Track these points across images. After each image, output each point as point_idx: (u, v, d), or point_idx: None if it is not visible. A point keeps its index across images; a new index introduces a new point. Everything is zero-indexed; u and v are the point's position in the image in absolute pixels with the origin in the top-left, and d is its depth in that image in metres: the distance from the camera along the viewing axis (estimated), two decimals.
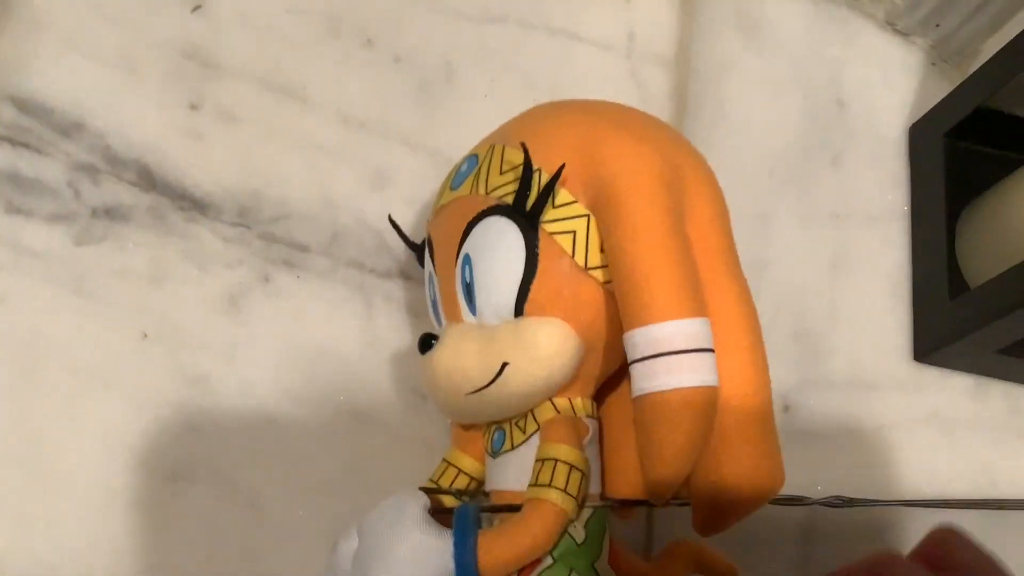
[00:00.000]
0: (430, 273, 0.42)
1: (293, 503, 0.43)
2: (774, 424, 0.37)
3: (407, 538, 0.35)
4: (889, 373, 0.50)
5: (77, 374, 0.43)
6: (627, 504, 0.40)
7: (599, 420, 0.41)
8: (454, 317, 0.40)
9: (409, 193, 0.49)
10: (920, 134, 0.54)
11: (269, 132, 0.48)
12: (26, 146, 0.46)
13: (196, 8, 0.49)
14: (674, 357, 0.34)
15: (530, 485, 0.37)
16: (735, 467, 0.36)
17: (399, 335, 0.47)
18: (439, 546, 0.35)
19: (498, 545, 0.35)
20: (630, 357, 0.36)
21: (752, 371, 0.37)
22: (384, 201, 0.48)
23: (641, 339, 0.35)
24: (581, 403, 0.39)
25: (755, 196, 0.53)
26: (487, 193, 0.38)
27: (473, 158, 0.41)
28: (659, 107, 0.53)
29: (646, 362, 0.35)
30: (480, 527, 0.36)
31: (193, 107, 0.48)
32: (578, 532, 0.38)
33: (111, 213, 0.46)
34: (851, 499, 0.46)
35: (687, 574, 0.42)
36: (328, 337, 0.46)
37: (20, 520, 0.41)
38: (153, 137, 0.47)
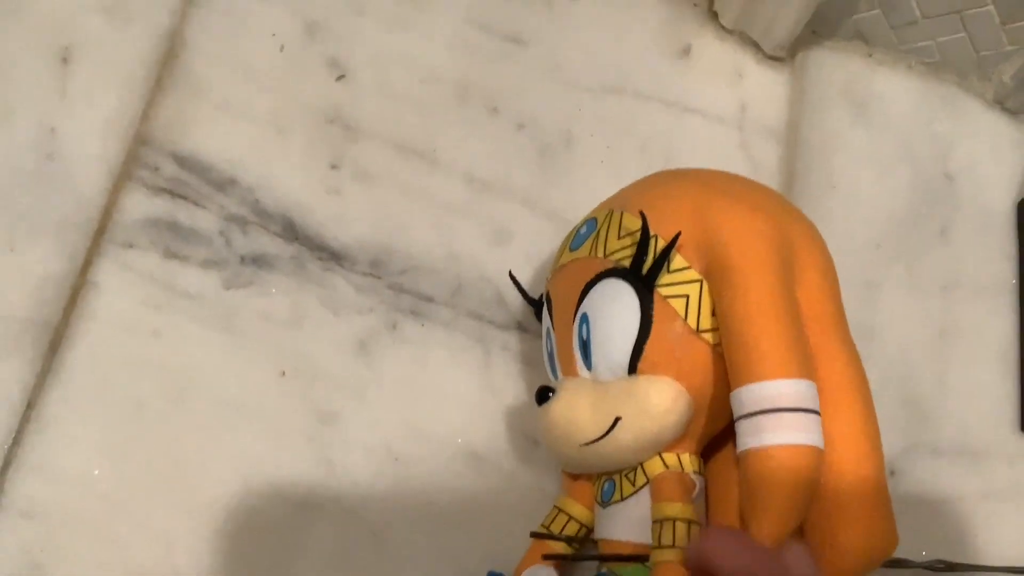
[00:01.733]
0: (547, 328, 0.45)
1: (414, 534, 0.46)
2: (887, 487, 0.38)
3: None
4: (995, 442, 0.51)
5: (221, 406, 0.47)
6: None
7: (704, 478, 0.43)
8: (570, 371, 0.42)
9: (527, 250, 0.52)
10: None
11: (401, 190, 0.52)
12: (184, 198, 0.50)
13: (340, 77, 0.54)
14: (780, 415, 0.36)
15: (653, 547, 0.38)
16: (850, 531, 0.37)
17: (515, 383, 0.49)
18: None
19: None
20: (736, 414, 0.37)
21: (864, 435, 0.38)
22: (504, 257, 0.51)
23: (748, 396, 0.37)
24: (689, 459, 0.41)
25: (863, 266, 0.54)
26: (605, 256, 0.41)
27: (592, 221, 0.44)
28: (769, 178, 0.56)
29: (752, 418, 0.36)
30: None
31: (333, 167, 0.52)
32: None
33: (257, 261, 0.50)
34: (954, 564, 0.46)
35: None
36: (449, 382, 0.49)
37: (165, 538, 0.44)
38: (297, 193, 0.51)
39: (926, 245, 0.55)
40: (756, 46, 0.58)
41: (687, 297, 0.39)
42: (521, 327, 0.50)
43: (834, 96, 0.57)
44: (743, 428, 0.37)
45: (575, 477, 0.45)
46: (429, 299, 0.50)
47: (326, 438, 0.47)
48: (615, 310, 0.40)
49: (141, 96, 0.52)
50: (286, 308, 0.49)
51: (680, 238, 0.39)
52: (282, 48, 0.54)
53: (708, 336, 0.39)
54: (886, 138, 0.57)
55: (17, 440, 0.45)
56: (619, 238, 0.41)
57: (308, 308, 0.49)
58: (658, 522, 0.39)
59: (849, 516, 0.37)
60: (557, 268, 0.45)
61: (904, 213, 0.55)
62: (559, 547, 0.43)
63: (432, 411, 0.48)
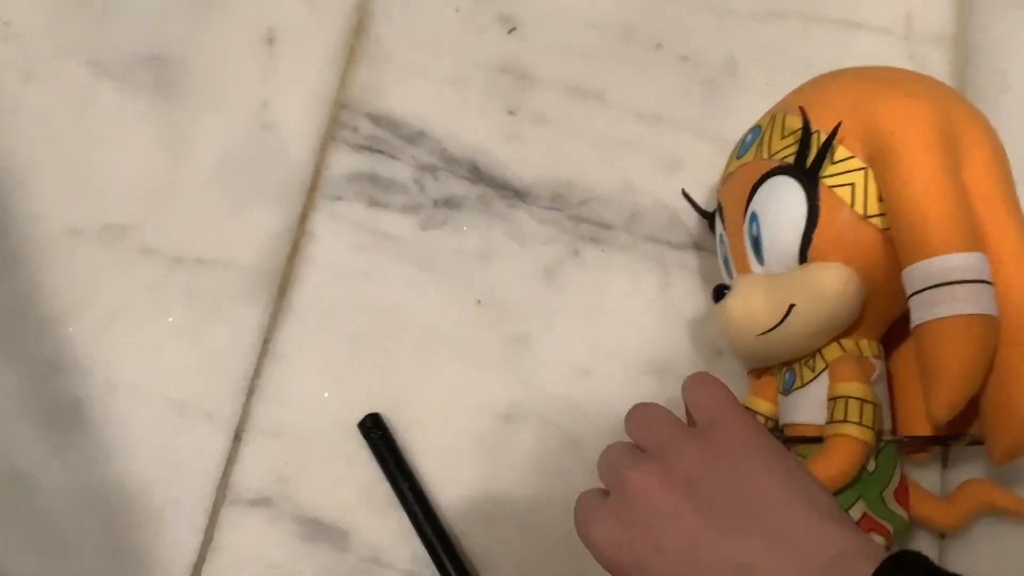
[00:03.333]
0: (720, 234, 0.47)
1: (605, 442, 0.49)
2: None
3: None
4: None
5: (425, 334, 0.52)
6: (916, 440, 0.43)
7: (887, 365, 0.44)
8: (744, 270, 0.44)
9: (698, 176, 0.54)
10: None
11: (574, 130, 0.56)
12: (381, 152, 0.56)
13: (511, 31, 0.58)
14: (951, 288, 0.37)
15: (827, 422, 0.41)
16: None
17: (694, 299, 0.52)
18: None
19: None
20: (908, 291, 0.39)
21: None
22: (676, 183, 0.54)
23: (919, 273, 0.38)
24: (867, 344, 0.42)
25: None
26: (770, 157, 0.43)
27: (756, 129, 0.46)
28: None
29: (924, 293, 0.38)
30: None
31: (511, 113, 0.56)
32: (869, 462, 0.41)
33: (449, 203, 0.55)
34: None
35: (979, 512, 0.44)
36: (631, 301, 0.52)
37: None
38: (479, 140, 0.56)
39: None
40: None
41: (852, 185, 0.41)
42: (697, 246, 0.53)
43: None
44: (915, 304, 0.38)
45: (759, 375, 0.47)
46: (608, 226, 0.54)
47: (521, 359, 0.52)
48: (783, 205, 0.42)
49: (338, 66, 0.58)
50: (477, 243, 0.54)
51: (841, 129, 0.41)
52: (457, 10, 0.59)
53: (877, 221, 0.40)
54: None
55: (258, 372, 0.52)
56: (782, 138, 0.43)
57: (497, 242, 0.54)
58: (833, 400, 0.41)
59: None
60: (726, 176, 0.47)
61: None
62: None
63: (617, 329, 0.52)
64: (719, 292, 0.44)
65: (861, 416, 0.40)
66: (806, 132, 0.41)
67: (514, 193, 0.55)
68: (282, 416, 0.51)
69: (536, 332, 0.52)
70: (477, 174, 0.55)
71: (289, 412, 0.52)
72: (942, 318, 0.37)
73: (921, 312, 0.38)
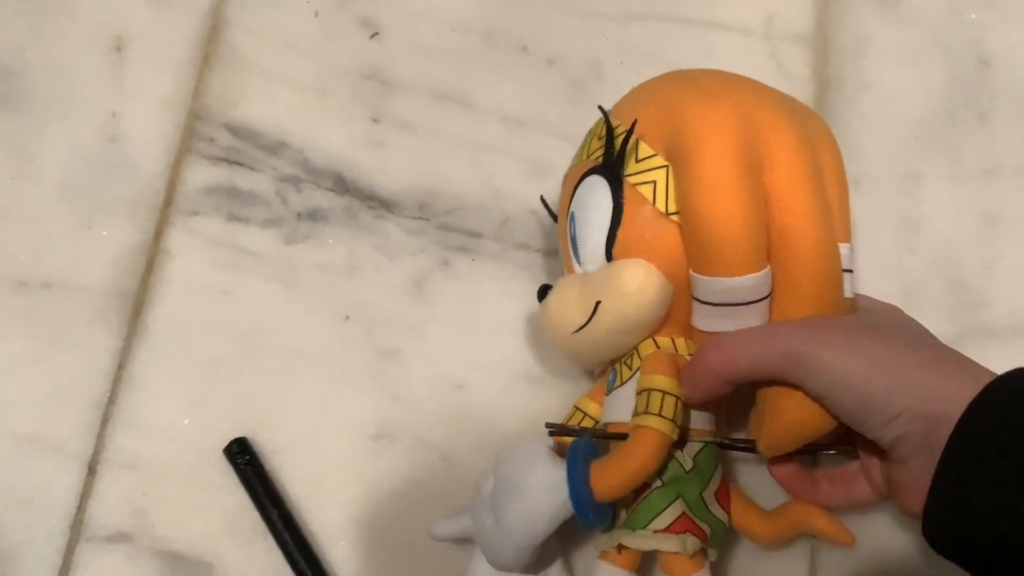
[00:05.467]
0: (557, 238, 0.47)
1: (480, 457, 0.48)
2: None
3: (535, 472, 0.40)
4: None
5: (291, 353, 0.50)
6: (736, 444, 0.43)
7: None
8: (569, 270, 0.45)
9: None
10: None
11: (441, 136, 0.54)
12: (240, 164, 0.54)
13: (373, 35, 0.56)
14: (735, 307, 0.39)
15: (633, 415, 0.41)
16: (787, 403, 0.39)
17: None
18: (562, 476, 0.39)
19: (608, 470, 0.39)
20: (694, 293, 0.40)
21: (822, 310, 0.39)
22: (545, 188, 0.53)
23: (703, 286, 0.39)
24: (683, 342, 0.43)
25: (903, 159, 0.54)
26: (587, 158, 0.44)
27: (587, 134, 0.46)
28: (801, 84, 0.56)
29: (709, 307, 0.40)
30: (594, 457, 0.40)
31: (375, 120, 0.55)
32: (686, 461, 0.41)
33: (313, 216, 0.53)
34: None
35: (798, 531, 0.43)
36: (502, 311, 0.51)
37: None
38: (343, 149, 0.54)
39: (966, 133, 0.55)
40: None
41: (654, 183, 0.41)
42: None
43: None
44: (700, 311, 0.40)
45: (599, 378, 0.47)
46: (477, 235, 0.53)
47: (391, 374, 0.50)
48: (593, 203, 0.42)
49: (191, 74, 0.55)
50: (343, 257, 0.52)
51: (643, 127, 0.41)
52: (316, 14, 0.57)
53: (677, 218, 0.41)
54: (917, 32, 0.57)
55: (112, 399, 0.50)
56: (598, 139, 0.44)
57: (363, 255, 0.52)
58: (640, 393, 0.41)
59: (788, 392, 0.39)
60: (562, 182, 0.47)
61: (941, 104, 0.55)
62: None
63: (488, 340, 0.51)
64: (542, 292, 0.45)
65: (662, 408, 0.40)
66: (608, 130, 0.42)
67: (380, 203, 0.53)
68: (138, 446, 0.49)
69: (406, 346, 0.51)
70: (342, 185, 0.53)
71: (146, 441, 0.49)
72: (708, 332, 0.40)
73: (705, 321, 0.40)
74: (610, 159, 0.42)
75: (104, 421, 0.49)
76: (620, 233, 0.41)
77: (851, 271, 0.43)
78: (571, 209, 0.44)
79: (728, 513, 0.42)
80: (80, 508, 0.48)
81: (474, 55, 0.56)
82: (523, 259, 0.52)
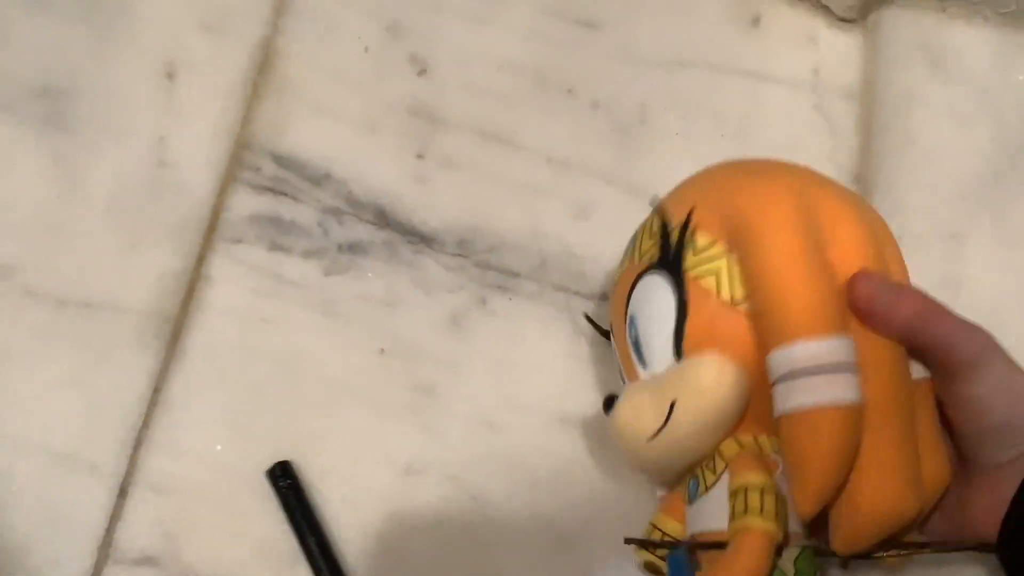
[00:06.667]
0: (613, 346, 0.46)
1: (510, 498, 0.48)
2: (911, 447, 0.38)
3: None
4: None
5: (327, 383, 0.51)
6: (824, 552, 0.40)
7: None
8: (632, 377, 0.43)
9: (609, 223, 0.53)
10: None
11: (484, 175, 0.55)
12: (284, 194, 0.54)
13: (421, 72, 0.57)
14: (810, 377, 0.36)
15: (730, 520, 0.38)
16: (865, 487, 0.37)
17: (603, 350, 0.51)
18: None
19: None
20: (771, 380, 0.37)
21: (890, 389, 0.37)
22: (586, 230, 0.53)
23: (778, 360, 0.37)
24: (767, 440, 0.40)
25: (948, 218, 0.54)
26: (640, 259, 0.43)
27: (633, 237, 0.45)
28: (846, 138, 0.56)
29: (784, 383, 0.36)
30: (694, 572, 0.38)
31: (419, 156, 0.55)
32: (788, 567, 0.38)
33: (353, 248, 0.53)
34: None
35: None
36: (538, 352, 0.51)
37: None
38: (387, 183, 0.54)
39: (1012, 196, 0.54)
40: (827, 10, 0.58)
41: (717, 273, 0.39)
42: (605, 296, 0.52)
43: (909, 53, 0.57)
44: (777, 393, 0.37)
45: (669, 494, 0.45)
46: (515, 274, 0.53)
47: (425, 409, 0.50)
48: (654, 302, 0.41)
49: (241, 103, 0.56)
50: (382, 290, 0.52)
51: (701, 216, 0.40)
52: (366, 49, 0.57)
53: (744, 307, 0.39)
54: (964, 91, 0.56)
55: (146, 422, 0.50)
56: (650, 238, 0.43)
57: (402, 289, 0.52)
58: (733, 494, 0.38)
59: (867, 473, 0.37)
60: (611, 289, 0.46)
61: (988, 164, 0.55)
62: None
63: (524, 380, 0.51)
64: (608, 403, 0.43)
65: (763, 507, 0.37)
66: (663, 226, 0.41)
67: (420, 239, 0.53)
68: (171, 469, 0.49)
69: (441, 382, 0.51)
70: (383, 219, 0.54)
71: (179, 465, 0.49)
72: (801, 410, 0.36)
73: (781, 404, 0.37)
74: (667, 255, 0.41)
75: (138, 443, 0.49)
76: (688, 328, 0.39)
77: None
78: (629, 314, 0.42)
79: None
80: (109, 530, 0.48)
81: (521, 96, 0.57)
82: (561, 300, 0.52)
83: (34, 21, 0.56)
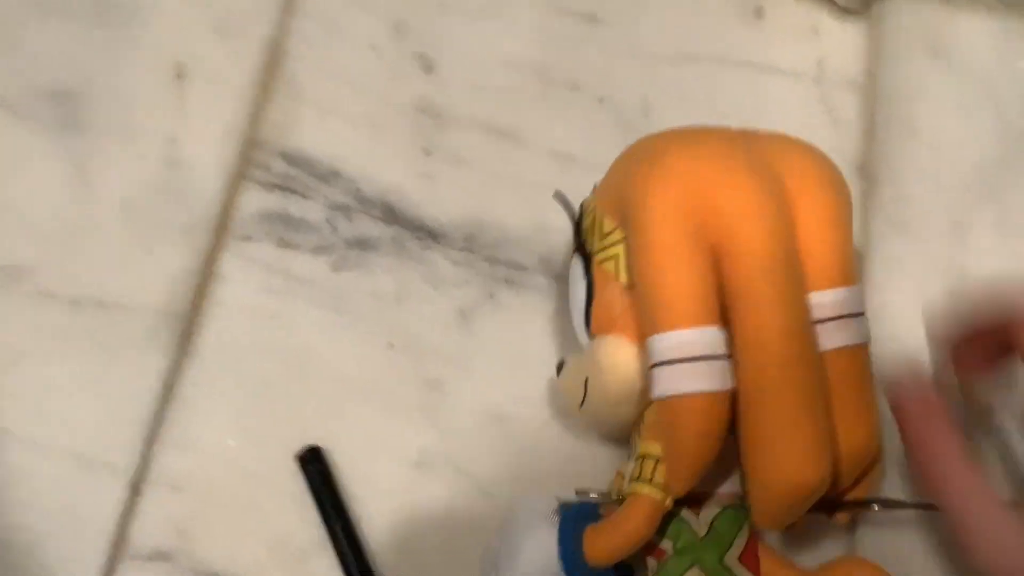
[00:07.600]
0: None
1: (519, 490, 0.48)
2: (810, 419, 0.38)
3: (533, 535, 0.40)
4: None
5: (337, 378, 0.51)
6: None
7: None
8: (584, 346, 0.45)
9: None
10: None
11: (490, 170, 0.55)
12: (293, 192, 0.55)
13: (427, 70, 0.57)
14: (675, 366, 0.38)
15: (628, 481, 0.41)
16: (761, 464, 0.38)
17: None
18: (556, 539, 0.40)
19: (600, 536, 0.40)
20: (651, 362, 0.39)
21: (776, 371, 0.38)
22: None
23: (650, 348, 0.39)
24: None
25: (951, 208, 0.54)
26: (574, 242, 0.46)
27: None
28: (849, 129, 0.56)
29: (654, 370, 0.39)
30: (590, 522, 0.41)
31: (426, 153, 0.56)
32: (700, 527, 0.41)
33: (362, 244, 0.54)
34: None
35: None
36: (547, 345, 0.51)
37: (299, 502, 0.48)
38: (394, 180, 0.55)
39: (1016, 184, 0.54)
40: (830, 1, 0.58)
41: (616, 258, 0.41)
42: None
43: (912, 44, 0.57)
44: (652, 377, 0.39)
45: None
46: (522, 268, 0.53)
47: (434, 403, 0.50)
48: (575, 286, 0.44)
49: (250, 103, 0.56)
50: (390, 286, 0.53)
51: (601, 202, 0.43)
52: (374, 47, 0.58)
53: None
54: (968, 82, 0.57)
55: (158, 419, 0.50)
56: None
57: (410, 284, 0.53)
58: (637, 459, 0.41)
59: (767, 449, 0.38)
60: None
61: (992, 154, 0.55)
62: None
63: (532, 373, 0.51)
64: (560, 367, 0.46)
65: (653, 476, 0.40)
66: (581, 210, 0.44)
67: (428, 234, 0.54)
68: (184, 466, 0.50)
69: (450, 377, 0.51)
70: (391, 215, 0.54)
71: (192, 461, 0.50)
72: (665, 397, 0.38)
73: (652, 390, 0.39)
74: (580, 240, 0.43)
75: (150, 440, 0.50)
76: (594, 310, 0.42)
77: (861, 314, 0.42)
78: (569, 292, 0.45)
79: (757, 573, 0.42)
80: (122, 526, 0.49)
81: (526, 91, 0.57)
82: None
83: (48, 25, 0.57)
